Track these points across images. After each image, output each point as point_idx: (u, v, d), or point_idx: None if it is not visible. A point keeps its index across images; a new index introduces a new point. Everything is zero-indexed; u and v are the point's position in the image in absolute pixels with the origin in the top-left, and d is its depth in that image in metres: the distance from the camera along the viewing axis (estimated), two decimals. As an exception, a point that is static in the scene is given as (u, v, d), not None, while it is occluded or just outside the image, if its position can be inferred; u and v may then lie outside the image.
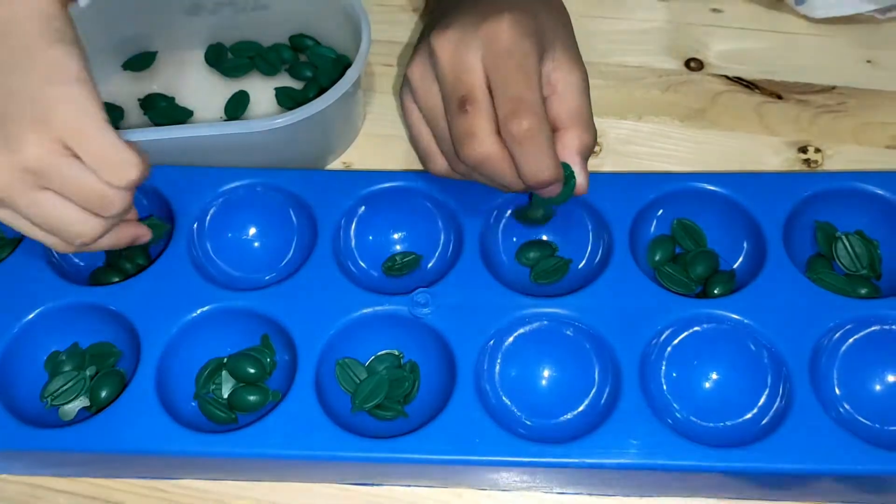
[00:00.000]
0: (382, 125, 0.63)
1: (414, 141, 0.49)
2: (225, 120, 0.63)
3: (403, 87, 0.48)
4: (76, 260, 0.54)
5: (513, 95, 0.43)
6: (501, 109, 0.43)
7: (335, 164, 0.61)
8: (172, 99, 0.64)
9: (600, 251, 0.52)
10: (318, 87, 0.63)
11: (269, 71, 0.65)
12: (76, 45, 0.43)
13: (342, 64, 0.63)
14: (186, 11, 0.63)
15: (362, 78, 0.58)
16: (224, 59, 0.66)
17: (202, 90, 0.64)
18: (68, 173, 0.41)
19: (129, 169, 0.42)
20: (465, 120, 0.44)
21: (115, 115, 0.62)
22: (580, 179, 0.46)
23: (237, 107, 0.63)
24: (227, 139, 0.55)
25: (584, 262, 0.53)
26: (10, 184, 0.41)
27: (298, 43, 0.65)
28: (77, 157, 0.41)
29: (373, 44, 0.57)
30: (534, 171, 0.43)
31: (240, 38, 0.66)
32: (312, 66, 0.64)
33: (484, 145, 0.43)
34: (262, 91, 0.64)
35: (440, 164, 0.48)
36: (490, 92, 0.44)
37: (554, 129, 0.45)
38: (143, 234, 0.49)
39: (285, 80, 0.65)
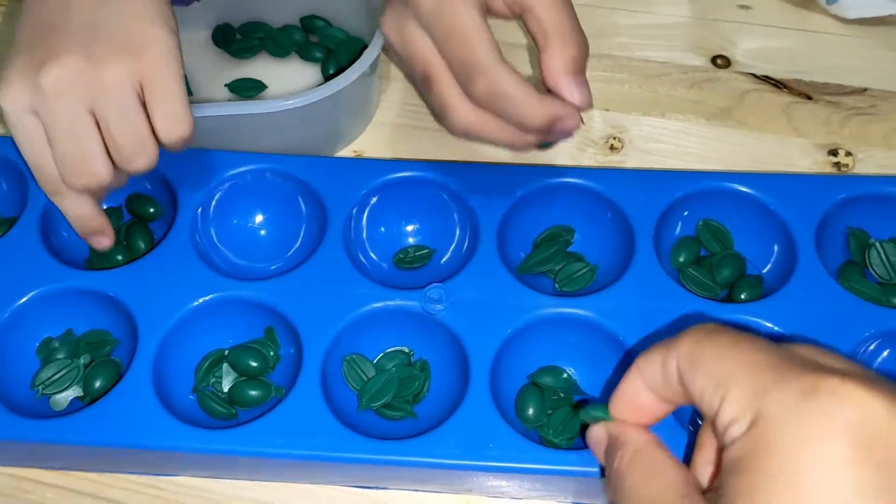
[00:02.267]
0: (394, 113, 0.61)
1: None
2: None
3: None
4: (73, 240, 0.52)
5: (458, 59, 0.43)
6: (458, 79, 0.43)
7: (345, 153, 0.59)
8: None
9: (622, 250, 0.49)
10: (336, 65, 0.61)
11: (279, 52, 0.62)
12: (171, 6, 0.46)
13: (355, 45, 0.61)
14: (194, -11, 0.61)
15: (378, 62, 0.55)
16: (232, 39, 0.63)
17: (209, 71, 0.62)
18: (127, 105, 0.43)
19: (183, 125, 0.44)
20: (433, 96, 0.44)
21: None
22: (577, 98, 0.43)
23: (250, 93, 0.61)
24: (235, 120, 0.52)
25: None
26: (71, 88, 0.42)
27: (309, 24, 0.63)
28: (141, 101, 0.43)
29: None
30: (523, 121, 0.42)
31: (249, 18, 0.63)
32: (324, 48, 0.62)
33: (460, 114, 0.44)
34: (270, 73, 0.62)
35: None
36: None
37: (538, 50, 0.44)
38: (106, 234, 0.49)
39: (295, 62, 0.62)
